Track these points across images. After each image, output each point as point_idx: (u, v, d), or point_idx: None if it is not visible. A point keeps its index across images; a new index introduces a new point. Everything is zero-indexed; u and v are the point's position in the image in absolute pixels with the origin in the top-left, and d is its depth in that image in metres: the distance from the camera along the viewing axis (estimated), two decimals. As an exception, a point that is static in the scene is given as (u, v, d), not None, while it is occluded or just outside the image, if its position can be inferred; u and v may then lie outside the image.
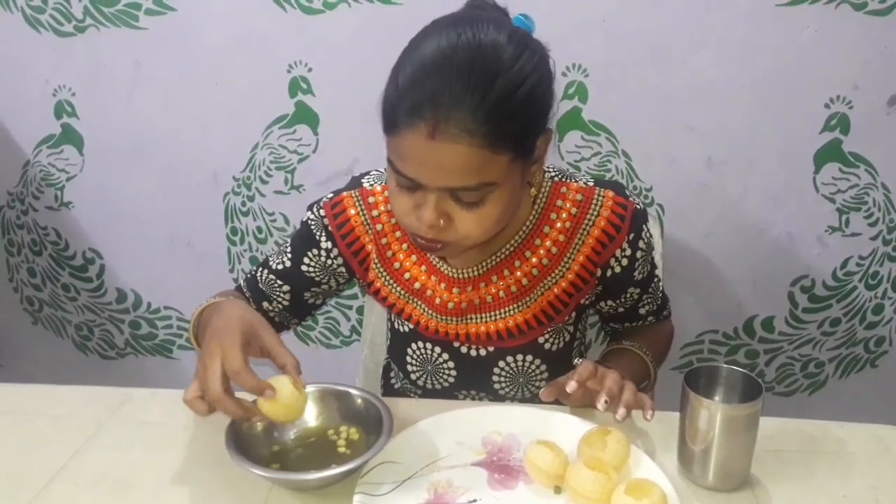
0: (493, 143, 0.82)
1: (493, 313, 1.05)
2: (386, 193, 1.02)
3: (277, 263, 1.11)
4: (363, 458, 0.83)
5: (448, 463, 0.89)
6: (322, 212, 1.07)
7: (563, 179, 1.03)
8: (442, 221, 0.87)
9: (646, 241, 1.04)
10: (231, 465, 0.83)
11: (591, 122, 1.53)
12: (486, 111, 0.80)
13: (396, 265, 1.06)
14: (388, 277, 1.07)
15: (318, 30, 1.51)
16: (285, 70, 1.56)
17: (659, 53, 1.46)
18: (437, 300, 1.05)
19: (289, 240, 1.12)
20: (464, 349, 1.09)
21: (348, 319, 1.79)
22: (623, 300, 1.10)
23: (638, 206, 1.03)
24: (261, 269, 1.12)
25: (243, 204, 1.71)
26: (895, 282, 1.64)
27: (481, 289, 1.04)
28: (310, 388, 0.92)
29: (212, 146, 1.65)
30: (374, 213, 1.05)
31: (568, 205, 1.02)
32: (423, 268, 1.05)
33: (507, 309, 1.04)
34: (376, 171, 1.08)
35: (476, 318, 1.06)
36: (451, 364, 1.10)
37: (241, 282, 1.15)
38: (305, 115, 1.59)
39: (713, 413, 0.83)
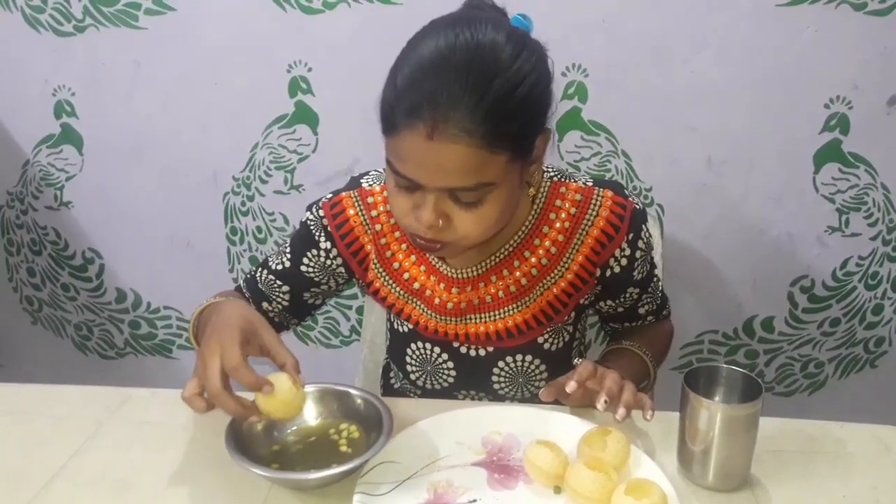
0: (492, 144, 0.82)
1: (492, 313, 1.05)
2: (385, 194, 1.02)
3: (277, 264, 1.11)
4: (363, 457, 0.83)
5: (448, 463, 0.89)
6: (321, 212, 1.07)
7: (562, 179, 1.03)
8: (441, 222, 0.87)
9: (645, 240, 1.04)
10: (231, 465, 0.83)
11: (591, 122, 1.53)
12: (485, 111, 0.80)
13: (395, 265, 1.06)
14: (387, 277, 1.07)
15: (317, 30, 1.51)
16: (285, 70, 1.56)
17: (659, 53, 1.46)
18: (437, 300, 1.05)
19: (288, 240, 1.12)
20: (463, 349, 1.09)
21: (348, 319, 1.79)
22: (622, 300, 1.10)
23: (637, 206, 1.03)
24: (260, 269, 1.12)
25: (243, 204, 1.71)
26: (895, 282, 1.64)
27: (480, 289, 1.04)
28: (310, 388, 0.92)
29: (211, 146, 1.65)
30: (373, 213, 1.05)
31: (567, 205, 1.02)
32: (423, 268, 1.05)
33: (506, 309, 1.04)
34: (375, 171, 1.08)
35: (475, 319, 1.06)
36: (450, 364, 1.10)
37: (241, 282, 1.15)
38: (305, 115, 1.59)
39: (713, 413, 0.83)
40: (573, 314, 1.08)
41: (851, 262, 1.61)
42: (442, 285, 1.05)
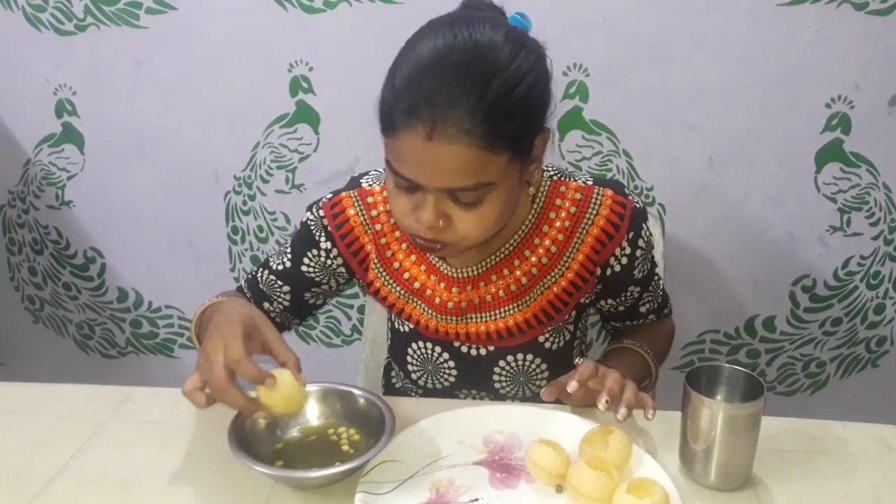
0: (491, 144, 0.82)
1: (492, 313, 1.05)
2: (385, 193, 1.02)
3: (278, 264, 1.11)
4: (365, 456, 0.83)
5: (450, 462, 0.89)
6: (321, 212, 1.07)
7: (562, 178, 1.03)
8: (441, 222, 0.87)
9: (645, 239, 1.04)
10: (233, 464, 0.83)
11: (592, 121, 1.53)
12: (484, 111, 0.80)
13: (396, 265, 1.06)
14: (387, 277, 1.07)
15: (319, 29, 1.51)
16: (286, 69, 1.56)
17: (660, 53, 1.46)
18: (437, 300, 1.05)
19: (289, 240, 1.12)
20: (464, 349, 1.09)
21: (349, 319, 1.79)
22: (623, 299, 1.10)
23: (637, 205, 1.03)
24: (261, 269, 1.13)
25: (244, 203, 1.71)
26: (896, 281, 1.64)
27: (481, 288, 1.04)
28: (312, 387, 0.92)
29: (213, 145, 1.66)
30: (374, 213, 1.05)
31: (567, 204, 1.02)
32: (423, 267, 1.05)
33: (506, 308, 1.04)
34: (375, 171, 1.08)
35: (476, 318, 1.06)
36: (451, 364, 1.10)
37: (242, 283, 1.16)
38: (306, 115, 1.59)
39: (715, 412, 0.83)
40: (574, 313, 1.08)
41: (853, 261, 1.61)
42: (442, 285, 1.05)
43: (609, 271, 1.04)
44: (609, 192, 1.02)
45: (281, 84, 1.57)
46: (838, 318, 1.68)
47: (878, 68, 1.43)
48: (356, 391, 0.94)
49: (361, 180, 1.07)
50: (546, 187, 1.02)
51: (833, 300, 1.65)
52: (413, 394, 1.18)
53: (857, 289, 1.64)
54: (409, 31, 0.87)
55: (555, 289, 1.04)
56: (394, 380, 1.24)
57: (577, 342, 1.13)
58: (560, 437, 0.89)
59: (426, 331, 1.08)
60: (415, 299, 1.07)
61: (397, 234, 1.05)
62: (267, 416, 0.86)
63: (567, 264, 1.03)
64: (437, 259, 1.05)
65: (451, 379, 1.12)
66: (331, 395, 0.94)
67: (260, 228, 1.73)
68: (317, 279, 1.10)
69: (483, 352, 1.09)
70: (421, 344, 1.11)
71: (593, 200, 1.01)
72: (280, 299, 1.12)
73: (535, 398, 1.07)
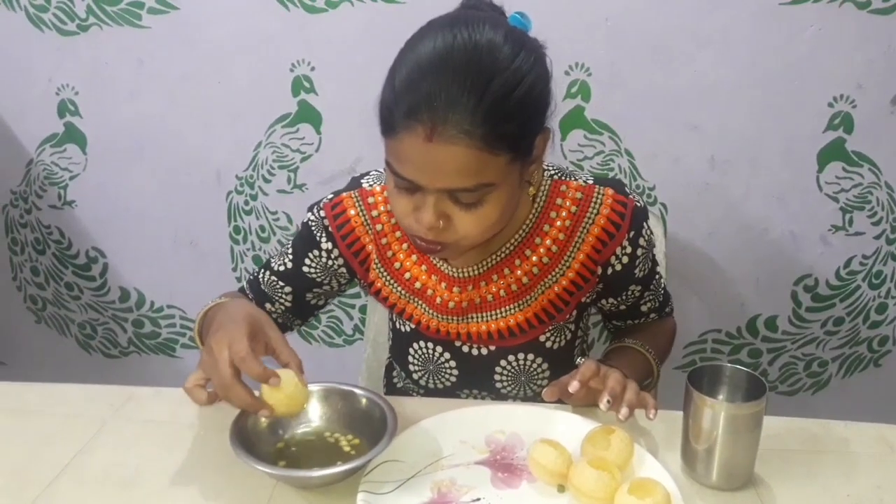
0: (491, 144, 0.81)
1: (493, 312, 1.05)
2: (385, 194, 1.02)
3: (279, 265, 1.11)
4: (367, 456, 0.83)
5: (451, 462, 0.89)
6: (322, 213, 1.07)
7: (563, 178, 1.03)
8: (441, 223, 0.86)
9: (646, 238, 1.04)
10: (235, 463, 0.83)
11: (594, 121, 1.53)
12: (484, 112, 0.80)
13: (397, 265, 1.06)
14: (388, 277, 1.07)
15: (320, 29, 1.51)
16: (288, 69, 1.56)
17: (662, 52, 1.45)
18: (438, 300, 1.05)
19: (290, 241, 1.12)
20: (465, 348, 1.09)
21: (351, 318, 1.80)
22: (624, 298, 1.10)
23: (638, 204, 1.03)
24: (263, 270, 1.13)
25: (246, 203, 1.71)
26: (899, 281, 1.64)
27: (482, 288, 1.04)
28: (314, 387, 0.92)
29: (215, 145, 1.66)
30: (374, 213, 1.05)
31: (568, 203, 1.02)
32: (424, 267, 1.05)
33: (507, 308, 1.04)
34: (375, 171, 1.08)
35: (477, 318, 1.06)
36: (452, 363, 1.10)
37: (244, 284, 1.16)
38: (308, 114, 1.59)
39: (717, 412, 0.82)
40: (575, 312, 1.08)
41: (855, 261, 1.61)
42: (443, 284, 1.05)
43: (610, 270, 1.04)
44: (610, 192, 1.02)
45: (283, 84, 1.57)
46: (840, 318, 1.67)
47: (881, 67, 1.43)
48: (358, 391, 0.94)
49: (362, 181, 1.07)
50: (546, 187, 1.02)
51: (835, 300, 1.65)
52: (414, 394, 1.18)
53: (859, 288, 1.64)
54: (411, 31, 0.87)
55: (556, 288, 1.04)
56: (395, 380, 1.24)
57: (578, 341, 1.13)
58: (562, 436, 0.89)
59: (427, 331, 1.08)
60: (416, 299, 1.07)
61: (398, 234, 1.05)
62: (270, 415, 0.86)
63: (568, 263, 1.03)
64: (437, 259, 1.05)
65: (453, 379, 1.12)
66: (333, 395, 0.94)
67: (262, 228, 1.73)
68: (318, 280, 1.10)
69: (484, 351, 1.09)
70: (422, 344, 1.11)
71: (594, 199, 1.01)
72: (282, 300, 1.12)
73: (536, 398, 1.07)
